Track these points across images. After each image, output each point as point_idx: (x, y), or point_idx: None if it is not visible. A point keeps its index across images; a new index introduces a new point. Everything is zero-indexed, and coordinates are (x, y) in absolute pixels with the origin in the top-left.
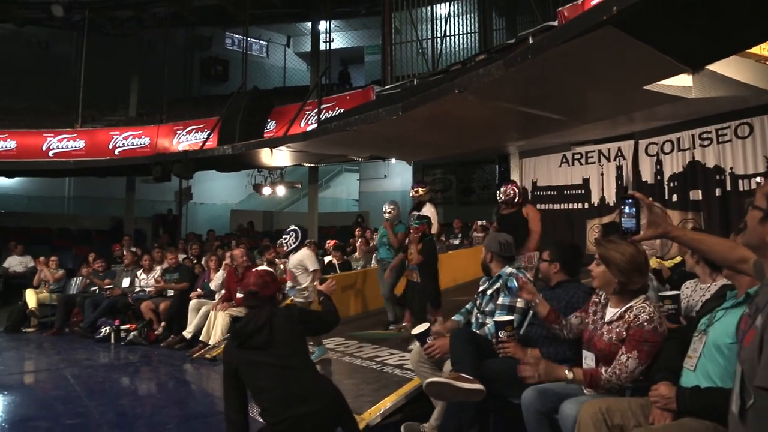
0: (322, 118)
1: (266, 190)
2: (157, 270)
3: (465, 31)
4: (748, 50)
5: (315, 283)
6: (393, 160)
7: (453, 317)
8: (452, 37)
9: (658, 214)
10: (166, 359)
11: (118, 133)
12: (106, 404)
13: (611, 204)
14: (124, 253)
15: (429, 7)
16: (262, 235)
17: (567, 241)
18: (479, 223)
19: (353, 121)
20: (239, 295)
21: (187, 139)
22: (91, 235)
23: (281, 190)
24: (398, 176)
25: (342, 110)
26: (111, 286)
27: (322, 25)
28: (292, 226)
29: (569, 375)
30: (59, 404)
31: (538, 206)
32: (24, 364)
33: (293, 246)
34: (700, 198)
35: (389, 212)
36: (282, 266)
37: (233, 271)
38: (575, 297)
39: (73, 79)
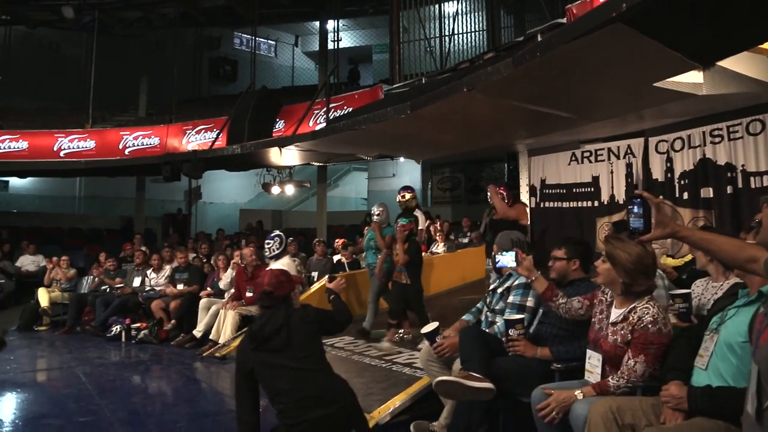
0: (331, 117)
1: (275, 190)
2: (167, 269)
3: (473, 29)
4: (760, 46)
5: (323, 281)
6: (401, 159)
7: (463, 317)
8: (460, 36)
9: (666, 213)
10: (177, 358)
11: (128, 133)
12: (118, 402)
13: (621, 202)
14: (135, 252)
15: (437, 6)
16: None
17: (577, 238)
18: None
19: (362, 120)
20: (249, 294)
21: (196, 139)
22: (102, 235)
23: (290, 189)
24: (407, 175)
25: (350, 109)
26: (122, 285)
27: (330, 25)
28: (276, 232)
29: (579, 396)
30: (71, 402)
31: (547, 204)
32: (36, 362)
33: (276, 252)
34: (711, 196)
35: (378, 214)
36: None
37: (243, 270)
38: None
39: (84, 80)
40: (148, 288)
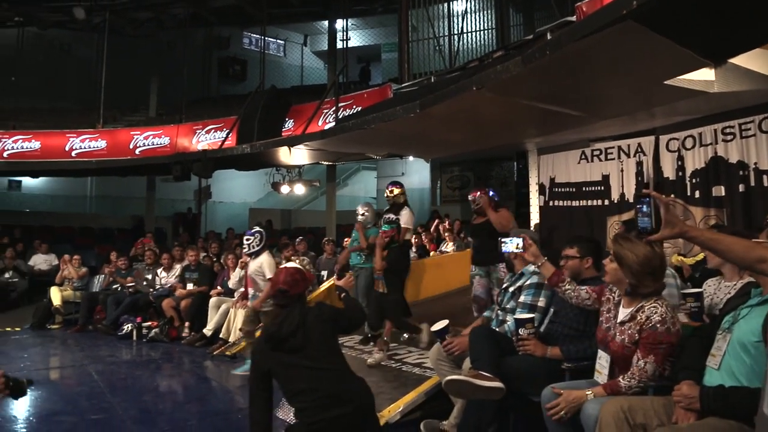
0: (340, 117)
1: (284, 189)
2: (177, 268)
3: (482, 28)
4: None
5: (332, 279)
6: (410, 158)
7: (484, 313)
8: (469, 34)
9: (674, 213)
10: (187, 356)
11: (138, 133)
12: (129, 400)
13: (631, 201)
14: (146, 252)
15: (446, 4)
16: (281, 234)
17: (587, 236)
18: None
19: (371, 119)
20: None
21: (206, 139)
22: (113, 234)
23: (299, 189)
24: (416, 174)
25: (359, 108)
26: (133, 283)
27: (339, 24)
28: (256, 228)
29: (590, 396)
30: (84, 400)
31: (556, 203)
32: (49, 360)
33: (256, 249)
34: (723, 194)
35: (363, 214)
36: (297, 262)
37: None
38: None
39: (95, 80)
40: (158, 286)
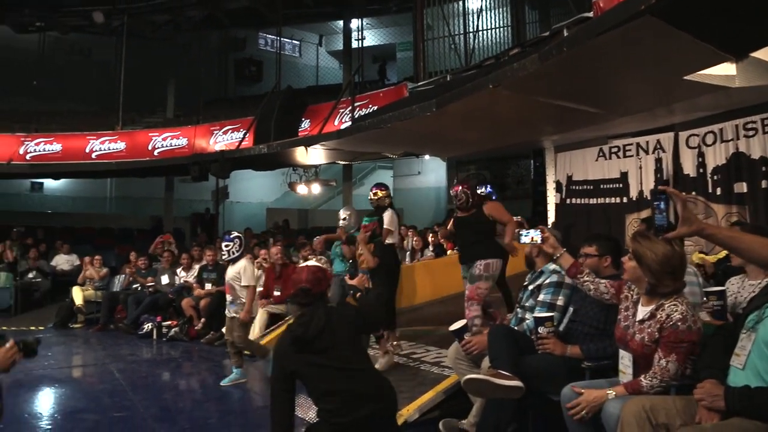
0: (356, 116)
1: (301, 189)
2: (196, 268)
3: (498, 25)
4: None
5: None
6: (427, 157)
7: (508, 315)
8: (485, 32)
9: (691, 210)
10: (207, 355)
11: (157, 134)
12: (150, 398)
13: (650, 198)
14: (164, 253)
15: (460, 2)
16: (298, 233)
17: (606, 234)
18: (514, 218)
19: (387, 118)
20: (276, 293)
21: (223, 139)
22: (133, 234)
23: (316, 188)
24: (432, 173)
25: (375, 108)
26: (152, 283)
27: (354, 23)
28: (234, 233)
29: (611, 395)
30: (106, 397)
31: (574, 201)
32: (72, 358)
33: (235, 255)
34: (745, 191)
35: (344, 219)
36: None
37: (272, 268)
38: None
39: (114, 83)
40: (177, 284)
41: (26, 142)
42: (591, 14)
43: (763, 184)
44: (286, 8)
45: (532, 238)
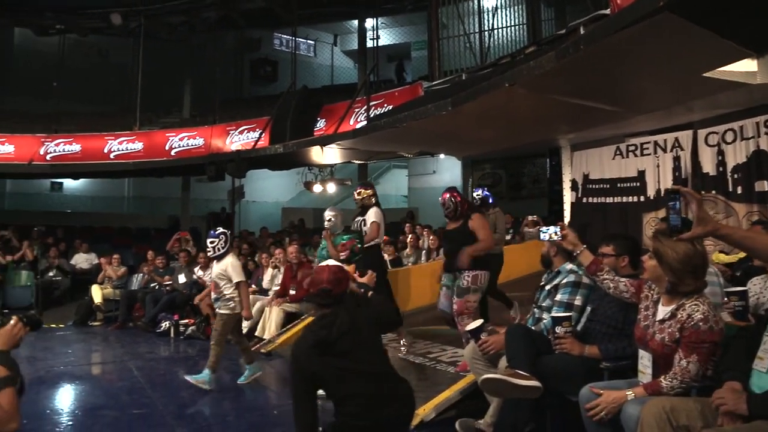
0: (371, 115)
1: (317, 188)
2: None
3: (513, 23)
4: None
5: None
6: (442, 156)
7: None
8: (500, 30)
9: (706, 210)
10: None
11: (174, 134)
12: (168, 396)
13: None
14: (180, 253)
15: (475, 0)
16: (313, 232)
17: (623, 233)
18: (530, 218)
19: (402, 118)
20: (292, 292)
21: (239, 139)
22: (150, 234)
23: (331, 188)
24: (447, 172)
25: (391, 107)
26: (170, 282)
27: (369, 23)
28: (220, 229)
29: (630, 395)
30: (125, 394)
31: (590, 199)
32: (92, 355)
33: (221, 251)
34: (766, 189)
35: (329, 220)
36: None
37: (290, 267)
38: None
39: (131, 84)
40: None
41: (46, 143)
42: (608, 11)
43: None
44: (301, 8)
45: (552, 234)
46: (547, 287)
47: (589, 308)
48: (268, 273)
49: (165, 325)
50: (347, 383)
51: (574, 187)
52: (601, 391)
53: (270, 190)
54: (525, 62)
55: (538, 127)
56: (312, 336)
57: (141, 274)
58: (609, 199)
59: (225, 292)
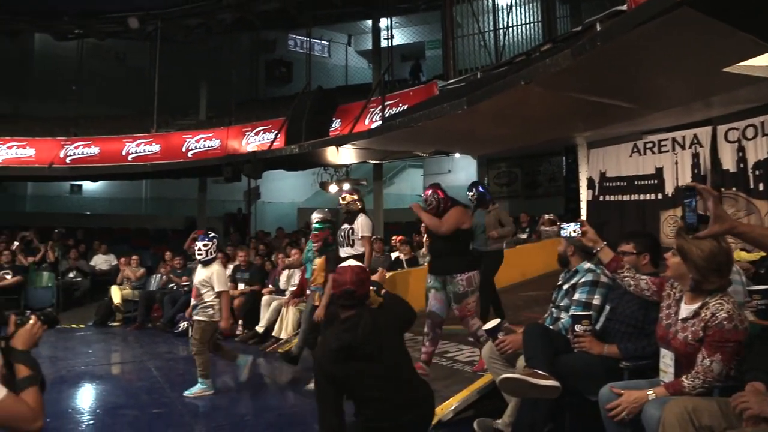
0: (387, 115)
1: (332, 188)
2: (230, 268)
3: (528, 21)
4: None
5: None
6: (457, 155)
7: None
8: (515, 28)
9: (723, 208)
10: (241, 353)
11: (190, 136)
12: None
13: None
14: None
15: None
16: None
17: (643, 231)
18: (546, 216)
19: (417, 117)
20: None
21: (255, 140)
22: (167, 235)
23: (347, 188)
24: (462, 171)
25: (406, 106)
26: (188, 282)
27: (383, 22)
28: (211, 234)
29: (651, 395)
30: (144, 394)
31: (607, 197)
32: (111, 355)
33: (211, 256)
34: None
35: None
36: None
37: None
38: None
39: (148, 86)
40: None
41: (66, 146)
42: (625, 7)
43: None
44: (315, 9)
45: (572, 231)
46: (565, 286)
47: (608, 307)
48: (285, 273)
49: (183, 325)
50: (370, 387)
51: (590, 185)
52: (622, 391)
53: (285, 190)
54: (541, 60)
55: (554, 125)
56: (336, 341)
57: (159, 275)
58: (626, 197)
59: (205, 299)
